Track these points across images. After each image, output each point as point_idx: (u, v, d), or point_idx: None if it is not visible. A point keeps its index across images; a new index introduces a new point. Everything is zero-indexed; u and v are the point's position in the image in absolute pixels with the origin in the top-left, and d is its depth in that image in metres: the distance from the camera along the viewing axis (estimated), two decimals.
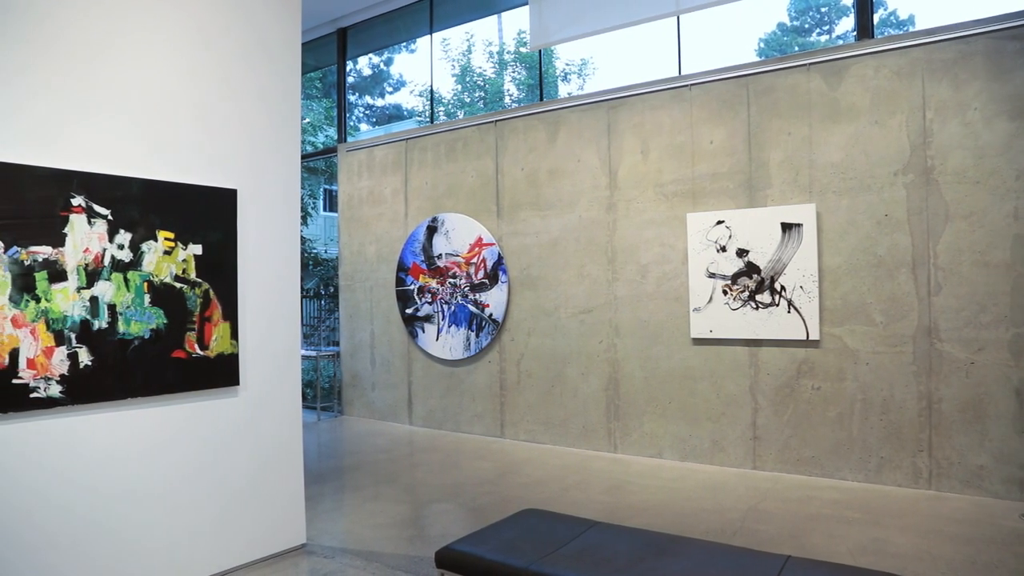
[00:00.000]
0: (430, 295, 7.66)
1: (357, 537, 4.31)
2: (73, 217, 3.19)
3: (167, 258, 3.52)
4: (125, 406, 3.36)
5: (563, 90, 15.76)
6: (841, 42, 9.48)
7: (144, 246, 3.43)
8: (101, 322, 3.26)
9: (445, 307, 7.54)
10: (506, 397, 7.13)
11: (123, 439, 3.35)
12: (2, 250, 2.97)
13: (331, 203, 17.31)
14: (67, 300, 3.16)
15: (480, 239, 7.27)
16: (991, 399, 4.81)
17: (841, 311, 5.33)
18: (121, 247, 3.35)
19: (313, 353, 8.67)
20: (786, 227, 5.50)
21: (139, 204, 3.41)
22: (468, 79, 16.13)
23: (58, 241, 3.14)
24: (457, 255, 7.44)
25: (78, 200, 3.20)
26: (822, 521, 4.43)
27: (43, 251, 3.09)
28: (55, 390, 3.11)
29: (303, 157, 8.04)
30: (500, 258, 7.12)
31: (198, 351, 3.62)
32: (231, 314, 3.77)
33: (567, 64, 15.76)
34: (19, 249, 3.01)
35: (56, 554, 3.10)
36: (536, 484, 5.43)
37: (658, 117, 6.21)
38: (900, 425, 5.11)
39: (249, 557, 3.84)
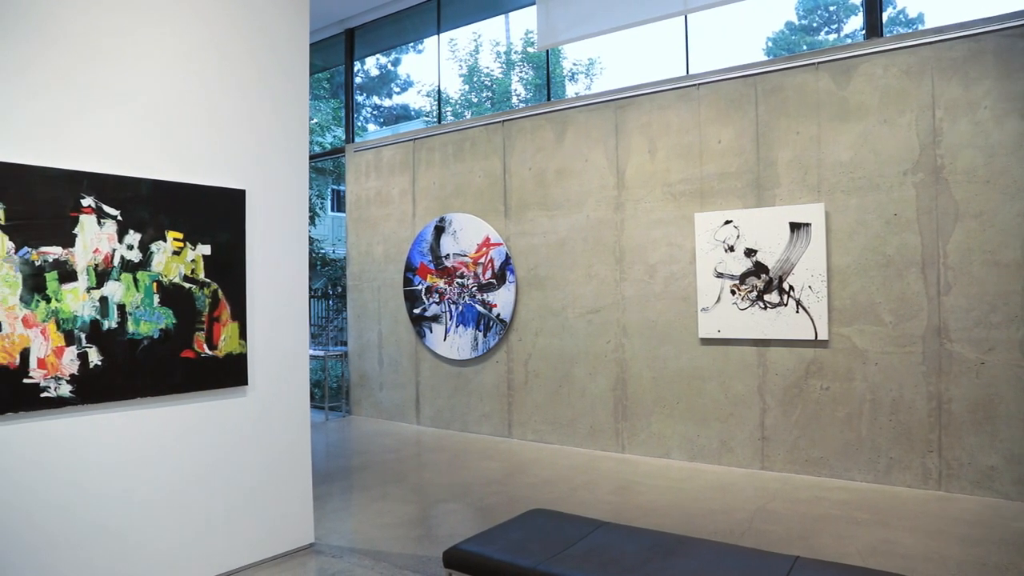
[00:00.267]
0: (438, 295, 7.67)
1: (365, 537, 4.32)
2: (83, 218, 3.21)
3: (176, 258, 3.54)
4: (134, 406, 3.38)
5: (571, 90, 15.75)
6: (850, 41, 9.43)
7: (153, 246, 3.45)
8: (111, 322, 3.29)
9: (453, 307, 7.54)
10: (514, 397, 7.13)
11: (132, 438, 3.37)
12: (13, 251, 2.99)
13: (339, 203, 17.35)
14: (77, 300, 3.18)
15: (488, 239, 7.28)
16: (1002, 399, 4.77)
17: (850, 311, 5.30)
18: (130, 247, 3.37)
19: (321, 353, 8.71)
20: (795, 227, 5.48)
21: (148, 205, 3.43)
22: (475, 79, 16.14)
23: (68, 242, 3.16)
24: (465, 255, 7.45)
25: (88, 201, 3.22)
26: (831, 522, 4.40)
27: (53, 251, 3.11)
28: (65, 390, 3.13)
29: (311, 157, 8.07)
30: (508, 258, 7.13)
31: (207, 351, 3.64)
32: (239, 314, 3.78)
33: (574, 64, 15.75)
34: (30, 250, 3.04)
35: (59, 553, 3.12)
36: (544, 484, 5.43)
37: (666, 117, 6.19)
38: (910, 426, 5.08)
39: (257, 556, 3.86)
